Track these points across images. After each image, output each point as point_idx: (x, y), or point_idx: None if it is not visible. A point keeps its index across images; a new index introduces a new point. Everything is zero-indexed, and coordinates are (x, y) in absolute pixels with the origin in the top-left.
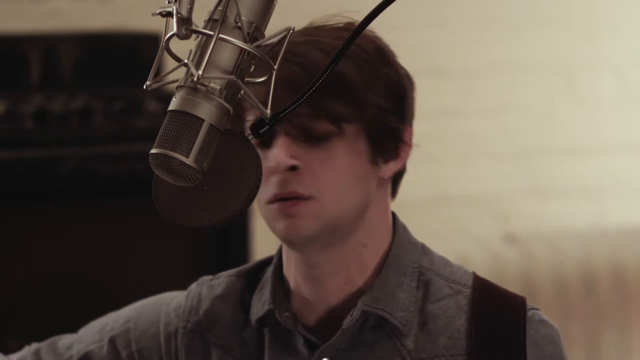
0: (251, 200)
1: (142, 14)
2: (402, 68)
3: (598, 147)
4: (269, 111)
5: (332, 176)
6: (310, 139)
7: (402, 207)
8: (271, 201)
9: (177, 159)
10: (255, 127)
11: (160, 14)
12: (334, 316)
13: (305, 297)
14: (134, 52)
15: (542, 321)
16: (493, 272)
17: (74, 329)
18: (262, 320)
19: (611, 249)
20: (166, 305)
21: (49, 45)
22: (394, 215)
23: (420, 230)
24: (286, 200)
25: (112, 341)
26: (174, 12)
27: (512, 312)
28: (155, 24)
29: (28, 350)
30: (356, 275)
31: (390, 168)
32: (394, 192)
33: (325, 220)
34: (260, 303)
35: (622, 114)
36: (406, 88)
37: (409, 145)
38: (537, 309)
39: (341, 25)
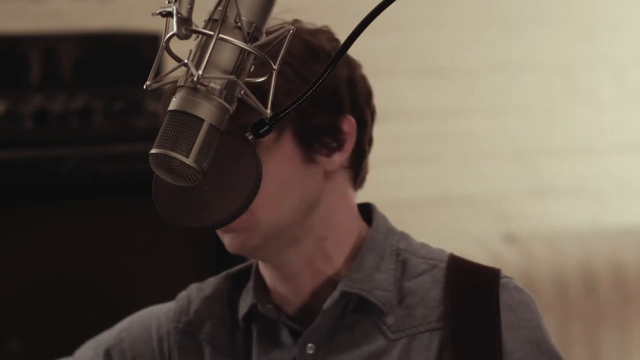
0: (251, 200)
1: (142, 14)
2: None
3: (598, 147)
4: (269, 111)
5: None
6: None
7: (402, 207)
8: None
9: (177, 159)
10: (256, 127)
11: (160, 14)
12: (315, 304)
13: (281, 294)
14: (134, 52)
15: (516, 288)
16: None
17: (74, 329)
18: (248, 317)
19: (611, 249)
20: (157, 312)
21: (49, 45)
22: (370, 205)
23: (420, 230)
24: None
25: (107, 352)
26: (174, 12)
27: (485, 280)
28: (155, 24)
29: None
30: (324, 267)
31: (336, 160)
32: (358, 179)
33: (263, 230)
34: (246, 302)
35: (622, 114)
36: (336, 80)
37: (351, 134)
38: (511, 278)
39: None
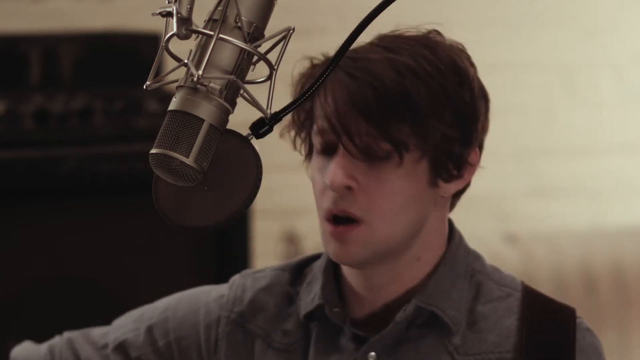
0: (251, 200)
1: (142, 14)
2: (478, 85)
3: (598, 147)
4: (269, 111)
5: (385, 198)
6: (370, 158)
7: None
8: (325, 218)
9: (177, 159)
10: (255, 127)
11: (160, 14)
12: (385, 313)
13: (358, 293)
14: (134, 52)
15: (588, 330)
16: None
17: (74, 329)
18: (311, 315)
19: (611, 249)
20: (206, 295)
21: (49, 45)
22: (450, 221)
23: None
24: (338, 221)
25: (149, 330)
26: (174, 12)
27: (561, 317)
28: (155, 24)
29: (59, 339)
30: (409, 283)
31: (452, 188)
32: (452, 205)
33: (375, 246)
34: (310, 297)
35: (622, 114)
36: (478, 111)
37: (474, 166)
38: (582, 318)
39: (421, 39)
